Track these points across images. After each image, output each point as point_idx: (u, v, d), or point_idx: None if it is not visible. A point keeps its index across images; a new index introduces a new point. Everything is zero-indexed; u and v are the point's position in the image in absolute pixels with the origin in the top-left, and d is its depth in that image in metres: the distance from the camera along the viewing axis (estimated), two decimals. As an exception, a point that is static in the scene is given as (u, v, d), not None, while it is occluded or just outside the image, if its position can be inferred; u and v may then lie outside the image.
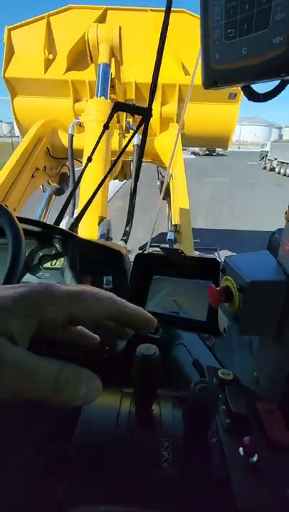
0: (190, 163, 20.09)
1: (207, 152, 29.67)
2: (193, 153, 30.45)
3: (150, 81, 2.43)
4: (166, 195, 2.66)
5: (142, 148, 0.97)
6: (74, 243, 0.85)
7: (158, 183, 3.77)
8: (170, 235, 1.79)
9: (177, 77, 2.44)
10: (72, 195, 1.17)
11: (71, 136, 2.10)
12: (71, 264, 0.84)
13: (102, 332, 0.31)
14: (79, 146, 1.98)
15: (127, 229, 1.78)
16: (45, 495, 0.29)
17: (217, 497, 0.29)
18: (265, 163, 20.72)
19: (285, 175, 16.88)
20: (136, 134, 1.41)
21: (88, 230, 1.25)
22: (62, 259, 0.88)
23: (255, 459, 0.30)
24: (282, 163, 17.45)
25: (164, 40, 0.75)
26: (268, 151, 20.38)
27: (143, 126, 0.92)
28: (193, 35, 2.26)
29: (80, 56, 2.20)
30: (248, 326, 0.42)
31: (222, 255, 2.31)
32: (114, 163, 0.99)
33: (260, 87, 0.33)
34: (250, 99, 0.35)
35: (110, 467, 0.31)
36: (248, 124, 67.75)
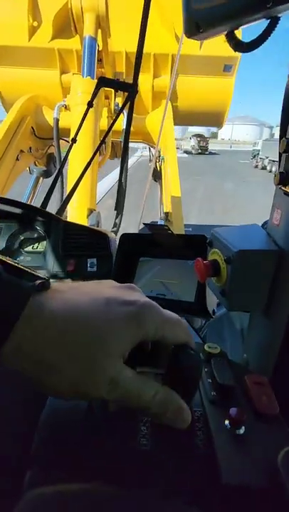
0: (183, 162, 20.13)
1: (200, 151, 29.80)
2: (186, 151, 30.53)
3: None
4: (158, 178, 2.49)
5: (128, 126, 0.93)
6: (57, 226, 0.82)
7: (149, 164, 3.64)
8: (160, 223, 1.74)
9: (170, 47, 2.20)
10: (58, 179, 1.12)
11: (56, 121, 1.98)
12: (54, 248, 0.81)
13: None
14: (66, 125, 1.86)
15: (116, 220, 1.72)
16: (10, 475, 0.27)
17: (200, 472, 0.27)
18: (256, 162, 20.89)
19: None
20: (124, 113, 1.37)
21: (77, 222, 1.21)
22: (45, 242, 0.84)
23: (242, 431, 0.28)
24: (274, 161, 17.62)
25: (149, 3, 0.71)
26: (259, 150, 20.56)
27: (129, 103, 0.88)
28: None
29: (67, 23, 1.97)
30: (236, 300, 0.40)
31: None
32: (101, 143, 0.95)
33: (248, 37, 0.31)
34: (235, 48, 0.32)
35: (81, 443, 0.28)
36: (239, 123, 68.24)
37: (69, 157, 1.08)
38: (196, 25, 0.30)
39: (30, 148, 2.13)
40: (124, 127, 0.99)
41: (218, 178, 12.49)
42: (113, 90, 1.96)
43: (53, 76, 2.38)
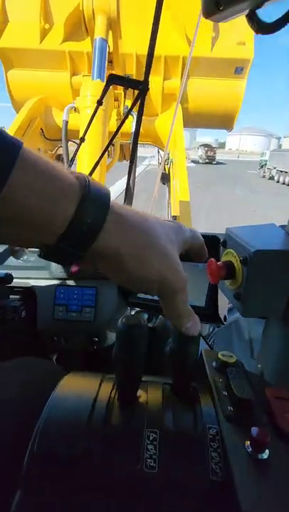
0: (189, 171, 20.25)
1: (207, 160, 30.00)
2: (193, 161, 30.76)
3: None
4: (167, 181, 2.43)
5: (137, 125, 0.92)
6: None
7: (158, 167, 3.63)
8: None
9: (181, 49, 2.19)
10: None
11: (66, 123, 1.97)
12: None
13: None
14: (75, 127, 1.86)
15: None
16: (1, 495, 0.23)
17: (216, 502, 0.23)
18: (264, 172, 20.90)
19: (284, 183, 16.99)
20: (132, 114, 1.36)
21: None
22: None
23: (265, 455, 0.24)
24: (281, 171, 17.60)
25: (162, 3, 0.70)
26: (267, 160, 20.59)
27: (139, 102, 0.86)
28: (198, 3, 2.09)
29: (78, 26, 2.00)
30: (252, 305, 0.37)
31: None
32: (109, 143, 0.94)
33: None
34: (257, 31, 0.30)
35: (78, 463, 0.25)
36: (247, 133, 68.71)
37: (77, 157, 1.07)
38: (216, 3, 0.28)
39: (39, 149, 2.14)
40: (134, 127, 0.96)
41: (227, 187, 12.48)
42: (123, 93, 1.97)
43: (63, 78, 2.38)
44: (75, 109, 1.99)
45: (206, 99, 2.53)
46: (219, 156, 35.09)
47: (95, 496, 0.24)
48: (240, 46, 2.10)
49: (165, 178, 2.49)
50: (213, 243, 0.57)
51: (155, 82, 2.28)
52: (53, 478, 0.25)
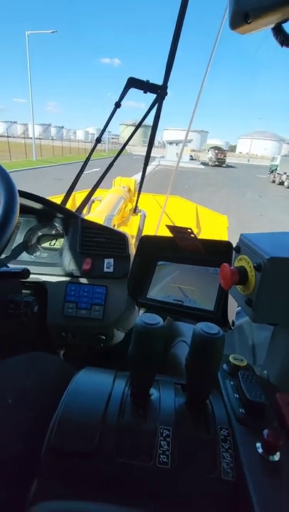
0: (199, 172, 20.14)
1: (217, 163, 29.83)
2: (203, 163, 30.61)
3: None
4: None
5: (153, 130, 0.93)
6: (76, 223, 0.80)
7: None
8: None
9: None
10: (79, 177, 1.11)
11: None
12: (71, 245, 0.79)
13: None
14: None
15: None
16: (16, 490, 0.24)
17: (227, 500, 0.24)
18: (274, 177, 20.68)
19: (293, 189, 16.81)
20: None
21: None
22: (62, 239, 0.83)
23: (276, 457, 0.25)
24: (292, 177, 17.44)
25: (183, 18, 0.71)
26: (277, 165, 20.37)
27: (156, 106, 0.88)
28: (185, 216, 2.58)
29: None
30: (263, 311, 0.37)
31: None
32: (125, 143, 0.95)
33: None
34: (283, 43, 0.31)
35: (92, 459, 0.26)
36: (258, 138, 68.13)
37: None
38: (245, 15, 0.28)
39: None
40: (150, 132, 0.97)
41: (236, 190, 12.40)
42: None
43: None
44: None
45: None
46: (229, 159, 34.86)
47: (108, 490, 0.25)
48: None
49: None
50: (226, 249, 0.57)
51: None
52: (68, 471, 0.26)
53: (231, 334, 0.77)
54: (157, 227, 1.38)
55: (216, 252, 0.59)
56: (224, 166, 30.21)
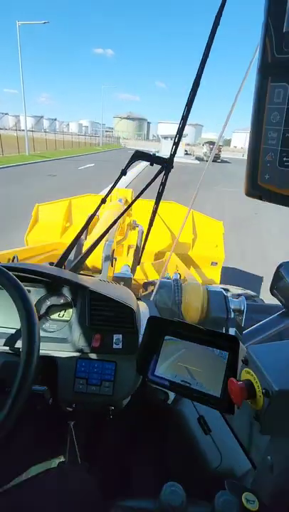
0: (194, 168, 20.11)
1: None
2: (197, 158, 30.55)
3: (166, 250, 2.40)
4: None
5: (158, 199, 0.97)
6: (84, 294, 0.79)
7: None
8: (175, 275, 1.59)
9: (170, 246, 2.61)
10: (80, 236, 1.09)
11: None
12: (80, 318, 0.79)
13: None
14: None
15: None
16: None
17: None
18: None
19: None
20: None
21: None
22: (71, 310, 0.82)
23: None
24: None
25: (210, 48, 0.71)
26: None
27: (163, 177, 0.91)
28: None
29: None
30: (270, 427, 0.38)
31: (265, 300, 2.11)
32: (126, 209, 1.05)
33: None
34: None
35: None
36: (253, 133, 67.94)
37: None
38: (259, 196, 0.32)
39: None
40: (155, 202, 1.01)
41: (230, 187, 12.43)
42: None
43: None
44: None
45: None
46: (223, 154, 34.82)
47: None
48: (214, 248, 2.59)
49: None
50: (232, 344, 0.58)
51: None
52: None
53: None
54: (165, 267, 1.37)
55: (221, 338, 0.60)
56: (219, 161, 30.20)
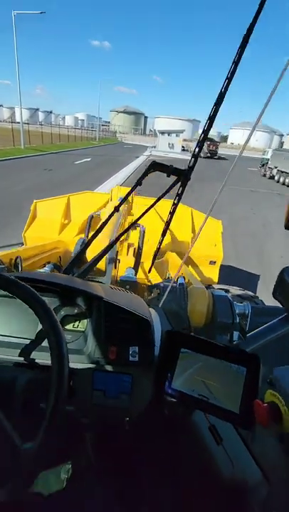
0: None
1: (208, 155, 29.72)
2: (195, 154, 30.33)
3: (166, 250, 2.32)
4: None
5: (173, 211, 0.97)
6: (99, 305, 0.77)
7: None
8: (181, 280, 1.58)
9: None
10: (88, 246, 1.06)
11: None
12: (95, 329, 0.77)
13: None
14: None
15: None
16: None
17: None
18: (265, 171, 20.85)
19: (284, 184, 16.99)
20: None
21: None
22: (86, 320, 0.80)
23: None
24: (282, 172, 17.56)
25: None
26: (268, 159, 20.49)
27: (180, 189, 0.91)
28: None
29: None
30: None
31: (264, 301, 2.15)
32: (137, 220, 1.01)
33: None
34: None
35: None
36: (250, 129, 68.07)
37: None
38: None
39: None
40: (171, 211, 1.01)
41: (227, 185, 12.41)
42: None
43: None
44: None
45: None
46: (220, 151, 34.77)
47: None
48: (213, 246, 2.63)
49: None
50: (252, 363, 0.56)
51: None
52: None
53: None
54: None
55: (239, 355, 0.59)
56: (216, 157, 30.16)
